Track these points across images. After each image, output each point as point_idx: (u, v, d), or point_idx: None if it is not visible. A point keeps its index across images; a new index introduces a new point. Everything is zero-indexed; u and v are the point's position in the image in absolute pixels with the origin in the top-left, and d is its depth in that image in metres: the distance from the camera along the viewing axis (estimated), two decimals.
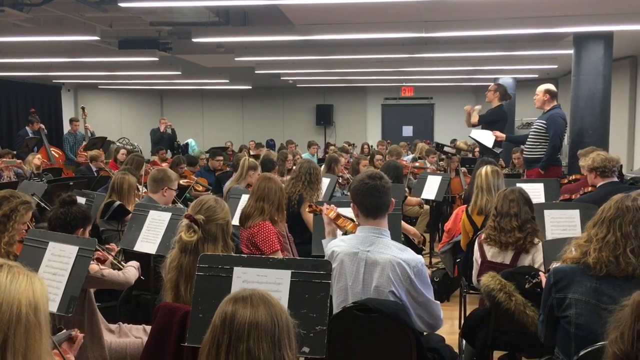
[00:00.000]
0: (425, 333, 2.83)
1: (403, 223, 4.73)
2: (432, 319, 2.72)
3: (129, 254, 4.05)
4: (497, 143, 7.23)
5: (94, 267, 3.03)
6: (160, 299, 3.55)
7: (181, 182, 7.28)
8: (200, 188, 7.54)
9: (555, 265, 2.62)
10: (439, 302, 2.77)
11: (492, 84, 7.50)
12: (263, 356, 1.51)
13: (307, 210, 3.90)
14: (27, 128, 10.22)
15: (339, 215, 3.20)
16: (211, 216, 2.67)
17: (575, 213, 3.81)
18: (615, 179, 4.61)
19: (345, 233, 3.17)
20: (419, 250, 5.93)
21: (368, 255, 2.67)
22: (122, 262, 3.50)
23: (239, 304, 1.57)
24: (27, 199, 3.33)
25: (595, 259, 2.33)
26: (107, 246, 3.53)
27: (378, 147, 12.20)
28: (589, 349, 2.16)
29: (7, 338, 1.45)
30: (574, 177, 5.81)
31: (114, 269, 3.33)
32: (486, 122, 7.22)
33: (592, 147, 5.71)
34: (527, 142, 6.57)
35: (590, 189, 4.76)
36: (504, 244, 3.44)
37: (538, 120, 6.47)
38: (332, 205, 3.30)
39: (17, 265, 1.59)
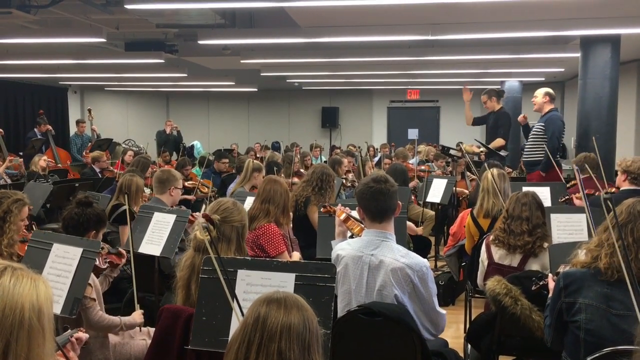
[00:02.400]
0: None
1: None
2: (434, 328, 2.68)
3: (134, 256, 4.04)
4: (503, 146, 7.22)
5: (87, 289, 2.95)
6: (165, 300, 3.54)
7: (186, 184, 7.29)
8: (205, 190, 7.54)
9: (564, 269, 2.59)
10: (444, 312, 2.73)
11: (483, 94, 7.49)
12: (294, 358, 1.52)
13: (321, 210, 3.88)
14: (35, 130, 10.27)
15: (348, 218, 3.20)
16: (227, 217, 2.67)
17: (582, 217, 3.78)
18: None
19: (352, 236, 3.16)
20: (425, 254, 5.92)
21: (372, 259, 2.65)
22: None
23: (273, 306, 1.58)
24: (19, 197, 3.29)
25: (607, 264, 2.30)
26: (119, 249, 3.52)
27: (382, 150, 12.18)
28: (597, 355, 2.14)
29: (9, 343, 1.43)
30: (572, 182, 5.75)
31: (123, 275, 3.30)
32: (496, 128, 7.24)
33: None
34: (526, 146, 6.60)
35: (614, 190, 4.72)
36: (512, 247, 3.43)
37: (537, 124, 6.50)
38: (346, 208, 3.29)
39: (22, 267, 1.57)
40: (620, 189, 4.53)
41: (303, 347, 1.54)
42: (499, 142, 7.20)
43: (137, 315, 3.18)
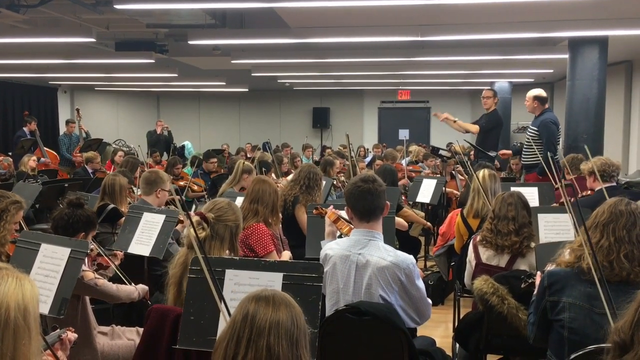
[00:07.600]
0: (417, 336, 2.83)
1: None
2: (420, 317, 2.76)
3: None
4: (491, 146, 7.25)
5: (89, 274, 2.99)
6: (154, 301, 3.55)
7: (178, 183, 7.29)
8: (196, 187, 7.55)
9: (549, 268, 2.62)
10: (430, 302, 2.79)
11: (488, 89, 7.52)
12: (282, 353, 1.54)
13: (313, 211, 3.90)
14: (24, 129, 10.20)
15: (338, 218, 3.23)
16: (221, 216, 2.69)
17: (569, 217, 3.80)
18: (614, 184, 4.62)
19: (341, 235, 3.18)
20: (414, 251, 5.93)
21: (359, 258, 2.67)
22: (127, 279, 3.44)
23: (261, 303, 1.60)
24: (18, 199, 3.31)
25: (589, 264, 2.33)
26: (114, 252, 3.51)
27: (373, 150, 12.21)
28: (580, 352, 2.17)
29: None
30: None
31: (114, 278, 3.32)
32: (487, 130, 7.27)
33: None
34: (524, 148, 6.66)
35: (589, 192, 4.78)
36: (499, 247, 3.45)
37: (531, 127, 6.53)
38: (335, 209, 3.31)
39: (7, 267, 1.58)
40: (595, 189, 4.59)
41: (291, 343, 1.57)
42: (473, 127, 7.29)
43: (141, 286, 3.34)
